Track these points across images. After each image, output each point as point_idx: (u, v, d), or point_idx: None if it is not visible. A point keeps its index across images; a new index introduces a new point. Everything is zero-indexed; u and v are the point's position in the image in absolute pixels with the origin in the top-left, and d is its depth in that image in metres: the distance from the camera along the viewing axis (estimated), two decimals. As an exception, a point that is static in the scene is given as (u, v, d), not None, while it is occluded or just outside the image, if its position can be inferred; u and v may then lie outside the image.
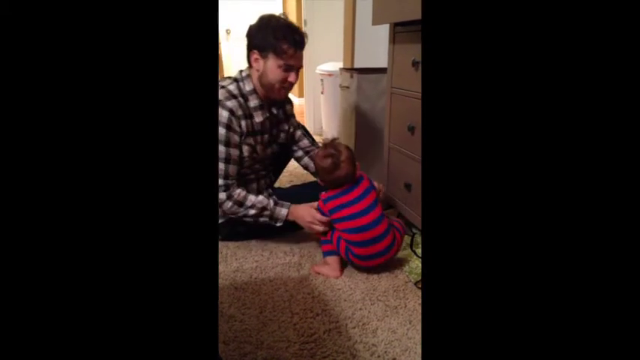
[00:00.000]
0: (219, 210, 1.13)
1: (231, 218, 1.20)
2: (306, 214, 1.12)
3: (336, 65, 2.19)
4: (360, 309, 0.93)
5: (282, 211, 1.15)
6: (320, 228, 1.10)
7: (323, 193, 1.10)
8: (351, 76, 1.65)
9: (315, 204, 1.12)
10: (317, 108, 2.78)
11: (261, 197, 1.15)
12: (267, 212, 1.14)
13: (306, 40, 1.13)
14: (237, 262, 1.14)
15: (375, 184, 1.15)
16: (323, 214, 1.09)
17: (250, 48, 1.12)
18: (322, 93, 2.35)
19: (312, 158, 1.30)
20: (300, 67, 1.16)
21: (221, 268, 1.11)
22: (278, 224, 1.17)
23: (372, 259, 1.04)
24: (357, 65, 2.06)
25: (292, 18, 3.75)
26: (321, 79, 2.31)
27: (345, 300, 0.96)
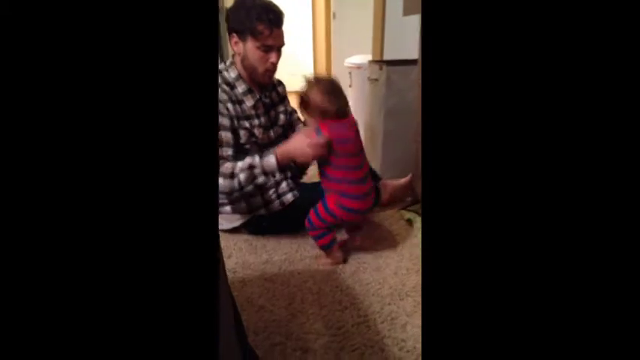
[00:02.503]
0: (224, 194, 1.12)
1: (253, 215, 1.20)
2: (300, 140, 1.00)
3: (364, 58, 2.17)
4: (389, 304, 0.92)
5: (270, 160, 1.06)
6: (321, 148, 0.96)
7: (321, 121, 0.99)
8: (380, 68, 1.63)
9: (308, 129, 1.01)
10: (345, 101, 2.77)
11: (247, 158, 1.09)
12: (257, 170, 1.07)
13: (282, 17, 1.09)
14: (267, 253, 1.16)
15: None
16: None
17: (230, 32, 1.12)
18: (350, 86, 2.34)
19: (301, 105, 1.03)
20: (281, 45, 1.13)
21: (251, 259, 1.13)
22: (278, 176, 1.10)
23: (362, 212, 1.05)
24: (386, 57, 2.03)
25: (321, 11, 3.75)
26: (349, 72, 2.30)
27: (373, 294, 0.96)
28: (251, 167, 1.08)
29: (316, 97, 0.97)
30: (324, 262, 1.10)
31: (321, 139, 0.96)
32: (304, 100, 0.99)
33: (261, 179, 1.10)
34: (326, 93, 0.98)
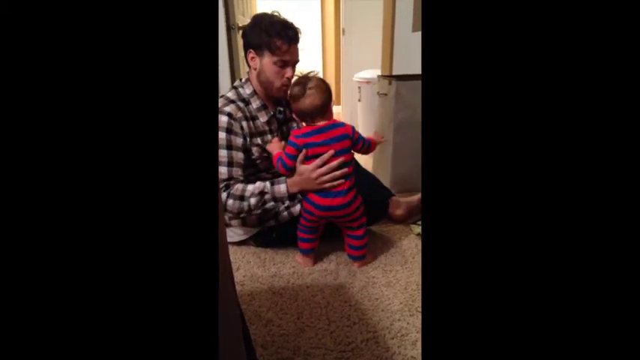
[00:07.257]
0: (232, 214, 1.14)
1: (262, 227, 1.21)
2: (306, 171, 1.04)
3: (373, 73, 2.19)
4: (399, 320, 0.91)
5: (282, 187, 1.10)
6: (326, 172, 1.03)
7: (296, 129, 1.10)
8: (390, 83, 1.64)
9: (277, 143, 1.13)
10: (354, 116, 2.79)
11: (258, 183, 1.12)
12: (267, 195, 1.10)
13: (299, 34, 1.14)
14: (275, 267, 1.16)
15: (374, 135, 1.17)
16: (297, 147, 1.04)
17: (247, 48, 1.15)
18: (359, 101, 2.36)
19: None
20: (297, 61, 1.16)
21: (259, 272, 1.13)
22: (287, 203, 1.17)
23: (331, 210, 1.06)
24: (395, 72, 2.05)
25: (331, 27, 3.80)
26: (359, 87, 2.32)
27: (382, 310, 0.94)
28: (262, 193, 1.10)
29: (305, 100, 1.02)
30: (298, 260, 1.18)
31: (321, 170, 1.02)
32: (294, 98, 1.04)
33: (270, 205, 1.15)
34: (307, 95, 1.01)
